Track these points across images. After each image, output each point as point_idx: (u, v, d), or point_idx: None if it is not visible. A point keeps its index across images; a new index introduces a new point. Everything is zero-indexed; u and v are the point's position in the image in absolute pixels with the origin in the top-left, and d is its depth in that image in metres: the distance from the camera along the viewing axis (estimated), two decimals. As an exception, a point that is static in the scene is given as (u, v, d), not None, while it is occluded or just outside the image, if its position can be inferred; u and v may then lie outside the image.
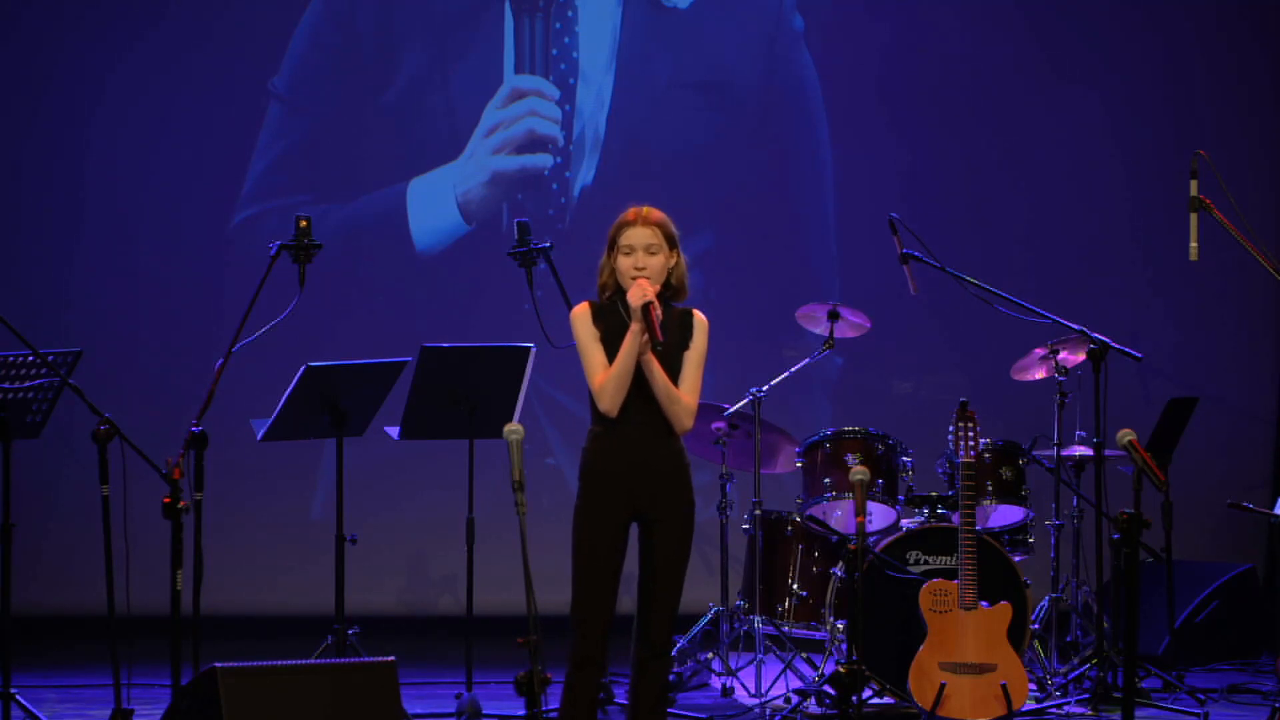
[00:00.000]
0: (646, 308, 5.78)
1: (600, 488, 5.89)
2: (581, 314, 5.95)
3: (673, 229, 5.94)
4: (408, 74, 10.47)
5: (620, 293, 5.92)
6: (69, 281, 10.33)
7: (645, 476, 5.89)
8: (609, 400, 5.85)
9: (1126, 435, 5.90)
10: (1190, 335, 10.76)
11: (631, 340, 5.81)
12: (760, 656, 8.04)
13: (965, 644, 7.35)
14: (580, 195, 10.46)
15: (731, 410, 8.30)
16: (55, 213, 10.35)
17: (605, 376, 5.84)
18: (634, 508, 5.89)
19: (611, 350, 5.87)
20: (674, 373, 5.89)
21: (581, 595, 5.86)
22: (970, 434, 7.47)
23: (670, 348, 5.88)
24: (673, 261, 5.93)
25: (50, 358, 6.58)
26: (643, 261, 5.87)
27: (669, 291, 5.93)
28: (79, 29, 10.31)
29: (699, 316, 5.99)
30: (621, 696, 7.49)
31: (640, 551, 5.94)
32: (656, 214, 5.94)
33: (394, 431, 7.59)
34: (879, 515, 8.18)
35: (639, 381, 5.85)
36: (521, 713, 5.66)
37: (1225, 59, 10.84)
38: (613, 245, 5.92)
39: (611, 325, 5.90)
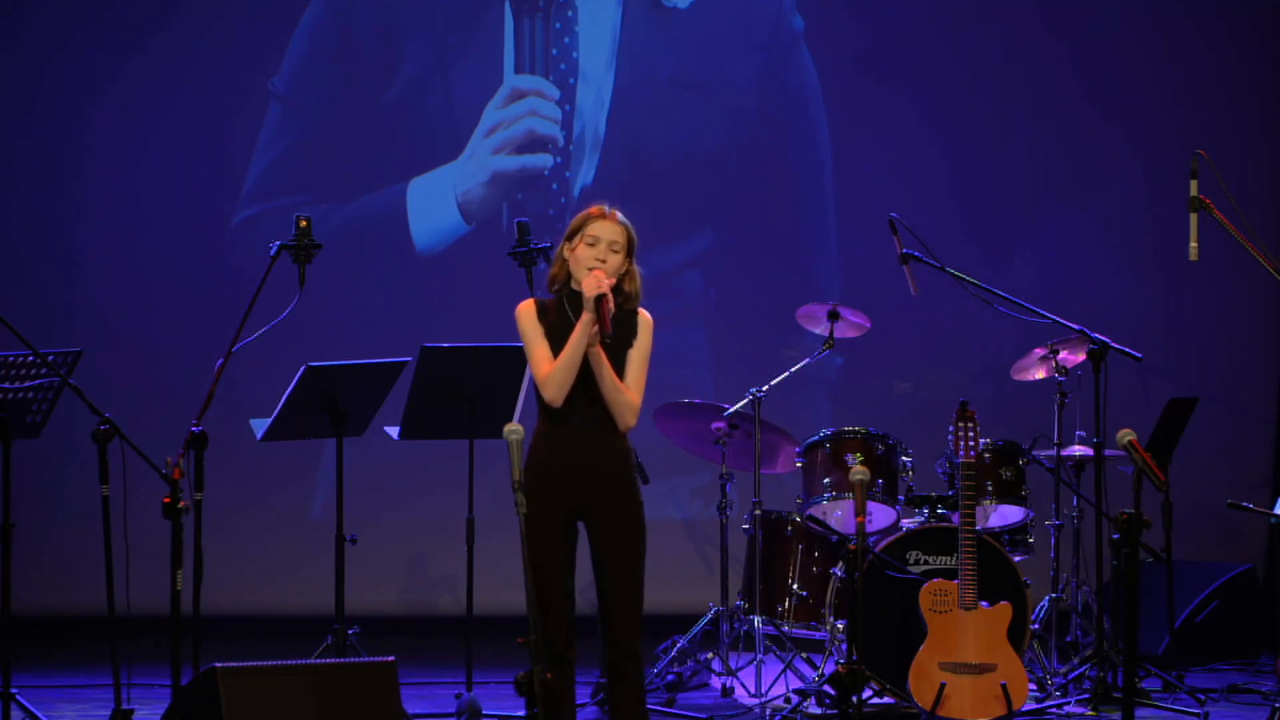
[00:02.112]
0: (600, 299, 5.79)
1: (543, 484, 5.87)
2: (526, 309, 5.97)
3: (635, 237, 5.97)
4: (408, 74, 10.47)
5: (568, 288, 5.94)
6: (69, 282, 10.33)
7: (589, 475, 5.90)
8: (554, 389, 5.85)
9: (1126, 435, 5.90)
10: (1190, 335, 10.76)
11: (581, 330, 5.82)
12: (760, 656, 8.04)
13: (965, 644, 7.35)
14: (580, 195, 10.46)
15: (731, 410, 8.30)
16: (55, 212, 10.35)
17: (552, 366, 5.86)
18: (577, 505, 5.90)
19: (556, 346, 5.88)
20: (618, 370, 5.90)
21: (541, 595, 5.85)
22: (970, 434, 7.47)
23: (615, 345, 5.89)
24: (624, 268, 5.94)
25: (50, 358, 6.58)
26: (604, 254, 5.89)
27: (620, 297, 5.93)
28: (80, 29, 10.31)
29: (644, 315, 6.00)
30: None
31: (591, 554, 5.94)
32: (624, 218, 5.97)
33: (394, 431, 7.59)
34: (879, 515, 8.17)
35: (585, 379, 5.87)
36: (521, 713, 5.66)
37: (1226, 58, 10.84)
38: (573, 235, 5.94)
39: (556, 321, 5.92)
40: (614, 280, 5.89)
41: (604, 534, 5.91)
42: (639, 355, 5.96)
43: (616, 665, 5.91)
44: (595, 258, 5.88)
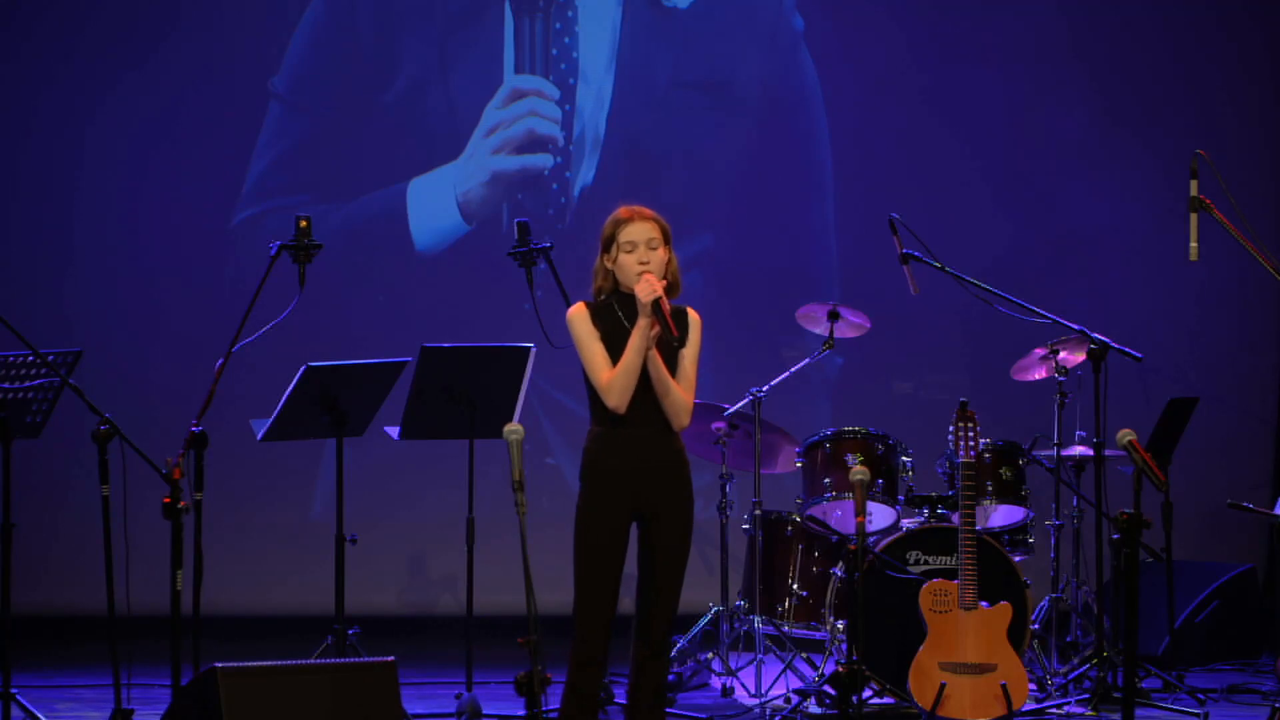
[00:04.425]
0: (657, 304, 5.78)
1: (604, 486, 5.89)
2: (579, 313, 5.95)
3: (667, 225, 5.96)
4: (408, 74, 10.47)
5: (616, 294, 5.93)
6: (69, 281, 10.33)
7: (649, 475, 5.89)
8: (618, 396, 5.84)
9: (1126, 435, 5.90)
10: (1190, 335, 10.76)
11: (639, 335, 5.81)
12: (760, 656, 8.04)
13: (965, 644, 7.35)
14: (580, 195, 10.46)
15: (731, 410, 8.30)
16: (55, 212, 10.35)
17: (613, 373, 5.84)
18: (636, 506, 5.90)
19: (611, 350, 5.87)
20: (670, 370, 5.90)
21: (585, 595, 5.87)
22: (970, 434, 7.47)
23: (666, 345, 5.88)
24: (665, 257, 5.93)
25: (50, 358, 6.58)
26: (646, 256, 5.88)
27: (667, 288, 5.92)
28: (81, 31, 10.31)
29: (693, 314, 6.00)
30: (621, 697, 7.48)
31: (640, 550, 5.95)
32: (650, 210, 5.95)
33: (394, 431, 7.59)
34: (879, 515, 8.17)
35: (640, 379, 5.85)
36: (521, 713, 5.67)
37: (1227, 58, 10.84)
38: (609, 244, 5.92)
39: (609, 325, 5.91)
40: (666, 281, 5.88)
41: (658, 534, 5.91)
42: (691, 355, 5.96)
43: (645, 660, 5.92)
44: (639, 261, 5.86)
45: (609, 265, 5.94)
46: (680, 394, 5.90)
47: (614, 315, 5.92)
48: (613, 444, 5.91)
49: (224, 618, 8.89)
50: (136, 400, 9.60)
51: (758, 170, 10.65)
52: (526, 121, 10.46)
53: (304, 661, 6.20)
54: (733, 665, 8.16)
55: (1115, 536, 5.97)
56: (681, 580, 5.96)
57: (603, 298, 5.97)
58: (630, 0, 10.50)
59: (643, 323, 5.81)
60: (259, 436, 7.38)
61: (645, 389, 5.87)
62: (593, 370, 5.90)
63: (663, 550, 5.91)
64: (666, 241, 5.94)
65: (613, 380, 5.85)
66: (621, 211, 5.95)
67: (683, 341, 5.90)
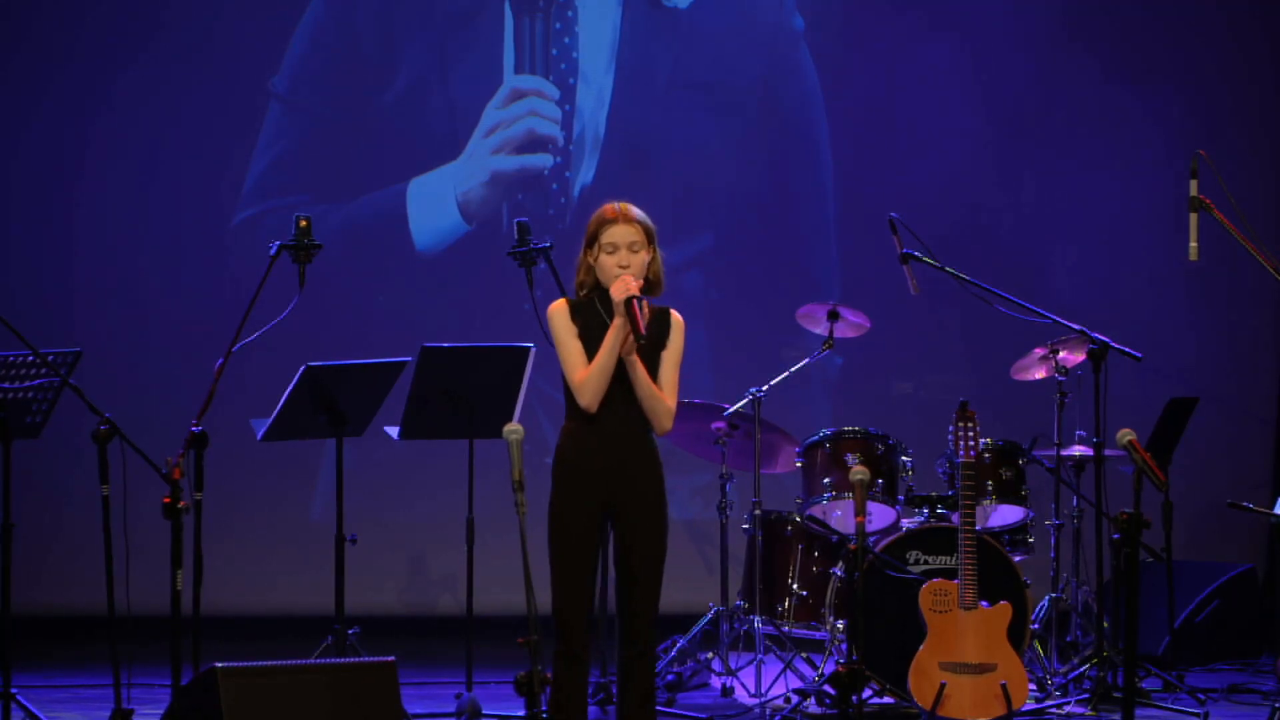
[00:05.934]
0: (629, 302, 5.77)
1: (575, 483, 5.89)
2: (559, 310, 5.95)
3: (652, 225, 5.94)
4: (408, 74, 10.47)
5: (598, 290, 5.92)
6: (69, 281, 10.32)
7: (620, 473, 5.89)
8: (589, 396, 5.84)
9: (1126, 435, 5.90)
10: (1190, 335, 10.76)
11: (614, 335, 5.80)
12: (760, 656, 8.04)
13: (965, 644, 7.35)
14: (580, 195, 10.46)
15: (731, 410, 8.30)
16: (55, 212, 10.34)
17: (586, 373, 5.84)
18: (608, 504, 5.90)
19: (589, 347, 5.87)
20: (651, 372, 5.89)
21: (561, 591, 5.86)
22: (970, 434, 7.47)
23: (648, 347, 5.87)
24: (649, 257, 5.92)
25: (50, 358, 6.58)
26: (626, 259, 5.86)
27: (646, 287, 5.92)
28: (81, 30, 10.31)
29: (675, 316, 5.99)
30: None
31: (616, 551, 5.94)
32: (636, 211, 5.93)
33: (394, 431, 7.59)
34: (879, 515, 8.17)
35: (615, 378, 5.85)
36: (521, 713, 5.66)
37: (1227, 57, 10.84)
38: (592, 242, 5.91)
39: (589, 322, 5.90)
40: (642, 281, 5.87)
41: (631, 533, 5.91)
42: (672, 357, 5.95)
43: (632, 660, 5.91)
44: (618, 264, 5.85)
45: (590, 262, 5.93)
46: (661, 398, 5.89)
47: (595, 312, 5.91)
48: (584, 441, 5.90)
49: (224, 618, 8.88)
50: (136, 400, 9.60)
51: (758, 170, 10.65)
52: (526, 121, 10.46)
53: (304, 661, 6.21)
54: (733, 665, 8.16)
55: (1115, 536, 5.97)
56: (660, 578, 5.94)
57: (584, 293, 5.96)
58: (630, 0, 10.51)
59: (617, 322, 5.80)
60: (259, 436, 7.38)
61: (619, 387, 5.86)
62: (567, 368, 5.90)
63: (638, 548, 5.90)
64: (651, 243, 5.92)
65: (586, 380, 5.85)
66: (607, 210, 5.93)
67: (652, 340, 5.86)
